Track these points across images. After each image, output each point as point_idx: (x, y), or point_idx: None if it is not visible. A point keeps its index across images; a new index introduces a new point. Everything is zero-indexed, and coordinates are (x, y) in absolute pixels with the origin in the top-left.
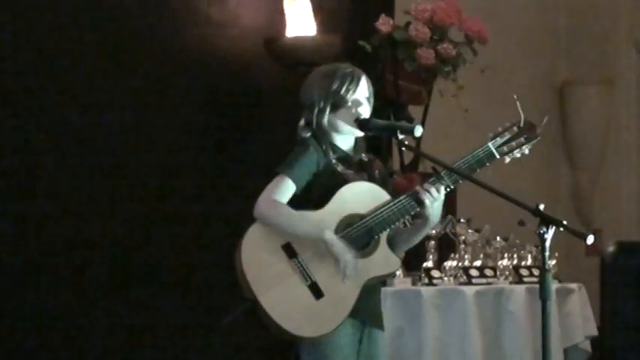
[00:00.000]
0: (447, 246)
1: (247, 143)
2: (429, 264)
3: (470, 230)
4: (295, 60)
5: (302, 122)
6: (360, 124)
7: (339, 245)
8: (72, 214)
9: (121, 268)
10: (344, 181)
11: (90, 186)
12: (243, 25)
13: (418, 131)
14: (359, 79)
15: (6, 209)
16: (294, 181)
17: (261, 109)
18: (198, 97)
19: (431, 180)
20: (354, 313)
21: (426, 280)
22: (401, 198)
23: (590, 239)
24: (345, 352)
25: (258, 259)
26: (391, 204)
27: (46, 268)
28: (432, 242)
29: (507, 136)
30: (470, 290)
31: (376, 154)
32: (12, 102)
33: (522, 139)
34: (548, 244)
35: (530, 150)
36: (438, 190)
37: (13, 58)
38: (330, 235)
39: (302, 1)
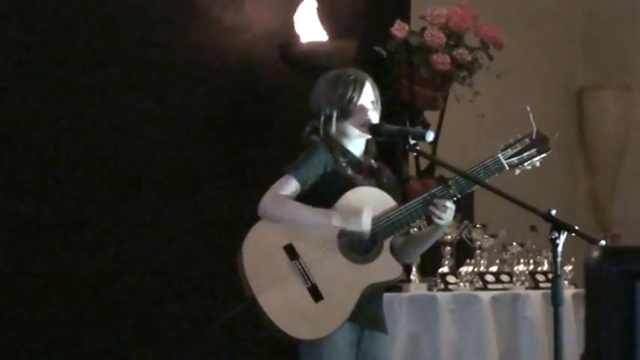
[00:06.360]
0: (463, 251)
1: (261, 148)
2: (445, 269)
3: (486, 236)
4: (310, 65)
5: (308, 129)
6: (372, 129)
7: (349, 220)
8: (86, 219)
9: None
10: (352, 184)
11: (105, 193)
12: (256, 30)
13: (429, 136)
14: (362, 85)
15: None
16: (299, 181)
17: (275, 115)
18: (212, 102)
19: (437, 190)
20: (353, 318)
21: (442, 286)
22: (407, 205)
23: (602, 244)
24: (342, 355)
25: (259, 258)
26: (397, 211)
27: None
28: (448, 248)
29: (519, 147)
30: (486, 296)
31: (391, 160)
32: (26, 108)
33: (534, 152)
34: (560, 249)
35: (540, 162)
36: (445, 206)
37: (21, 64)
38: (337, 221)
39: (315, 7)
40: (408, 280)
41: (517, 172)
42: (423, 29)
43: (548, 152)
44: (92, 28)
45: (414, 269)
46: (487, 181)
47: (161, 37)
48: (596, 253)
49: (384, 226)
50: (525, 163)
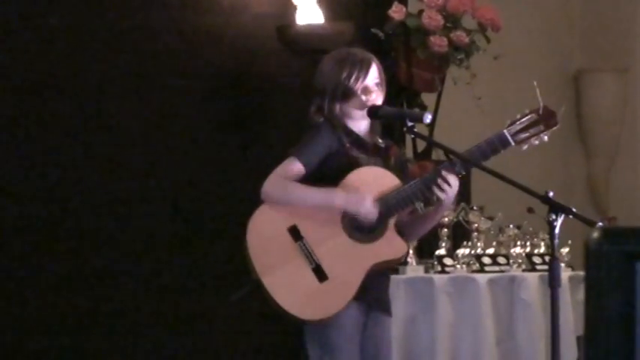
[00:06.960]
0: (459, 234)
1: (259, 131)
2: (442, 252)
3: (483, 218)
4: (307, 48)
5: (313, 108)
6: (370, 111)
7: (352, 200)
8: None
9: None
10: (356, 164)
11: (106, 177)
12: (254, 12)
13: (427, 118)
14: (369, 66)
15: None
16: (304, 163)
17: (273, 97)
18: (209, 84)
19: (441, 166)
20: (359, 297)
21: (439, 268)
22: (412, 184)
23: (601, 225)
24: (349, 335)
25: (263, 240)
26: (402, 190)
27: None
28: (445, 230)
29: (525, 123)
30: (482, 278)
31: None
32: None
33: (541, 127)
34: (557, 231)
35: (548, 137)
36: (449, 182)
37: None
38: (340, 200)
39: None
40: (405, 263)
41: (524, 147)
42: (421, 11)
43: (556, 127)
44: (90, 12)
45: (410, 251)
46: (490, 159)
47: (157, 19)
48: (595, 234)
49: (388, 204)
50: (533, 139)
